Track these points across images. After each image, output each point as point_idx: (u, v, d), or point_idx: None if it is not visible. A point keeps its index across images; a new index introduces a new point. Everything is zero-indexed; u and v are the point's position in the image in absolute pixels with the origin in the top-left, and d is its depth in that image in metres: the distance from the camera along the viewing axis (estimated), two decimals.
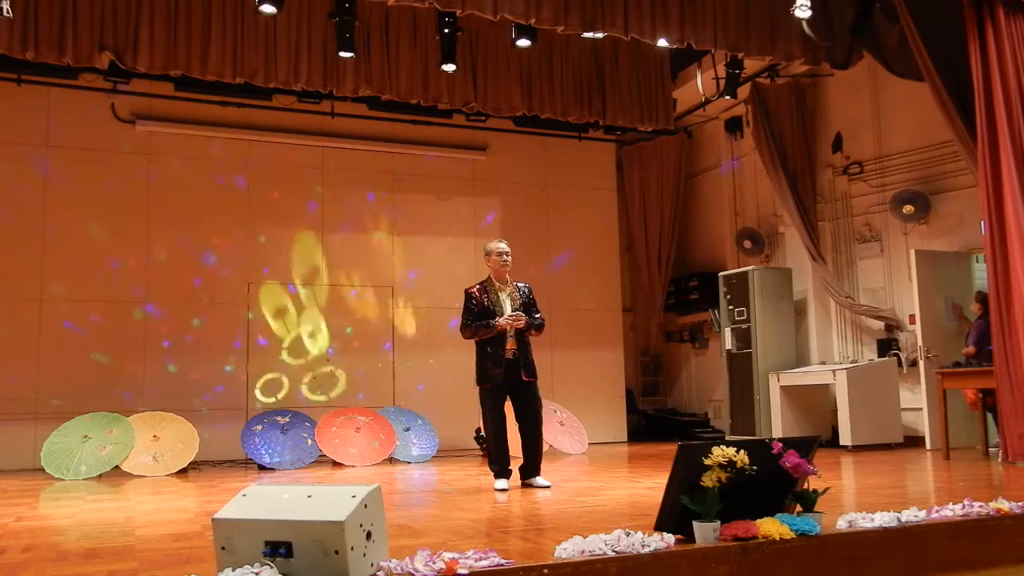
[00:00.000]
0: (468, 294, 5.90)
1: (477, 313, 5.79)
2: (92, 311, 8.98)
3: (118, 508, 5.17)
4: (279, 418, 8.71)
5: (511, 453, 5.81)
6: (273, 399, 9.50)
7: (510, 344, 5.72)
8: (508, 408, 5.84)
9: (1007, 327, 6.38)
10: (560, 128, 10.85)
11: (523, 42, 8.07)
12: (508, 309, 5.80)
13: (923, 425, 8.27)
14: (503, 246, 5.93)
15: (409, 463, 8.64)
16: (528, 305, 5.90)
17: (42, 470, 7.64)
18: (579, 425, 9.75)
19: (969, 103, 6.87)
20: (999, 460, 6.64)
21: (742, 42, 7.79)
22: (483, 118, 10.26)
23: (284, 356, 9.70)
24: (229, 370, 9.42)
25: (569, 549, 2.78)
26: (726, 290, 9.97)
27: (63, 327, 8.84)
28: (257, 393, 9.48)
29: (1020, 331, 6.29)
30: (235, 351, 9.48)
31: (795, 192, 9.63)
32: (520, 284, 6.01)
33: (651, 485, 5.54)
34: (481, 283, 5.96)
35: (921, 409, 8.35)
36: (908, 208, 8.72)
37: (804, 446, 3.21)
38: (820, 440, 3.50)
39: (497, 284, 5.90)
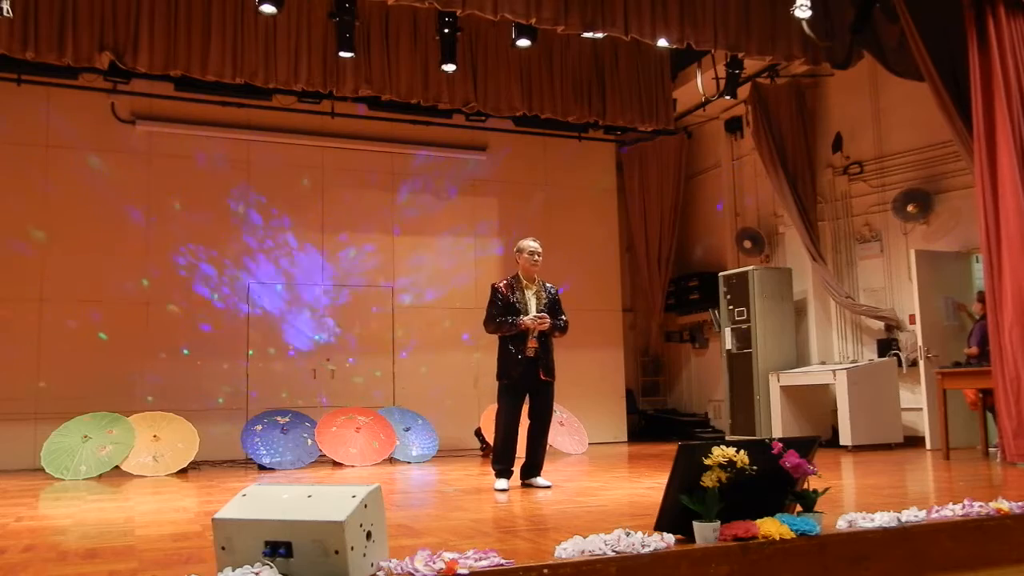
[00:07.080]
0: (494, 288, 5.90)
1: (500, 308, 5.79)
2: (93, 311, 8.98)
3: (118, 508, 5.17)
4: (279, 418, 8.71)
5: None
6: (273, 399, 9.49)
7: (531, 343, 5.73)
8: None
9: (1004, 327, 6.38)
10: (560, 128, 10.84)
11: (523, 42, 8.07)
12: (533, 308, 5.81)
13: (923, 425, 8.27)
14: (535, 245, 5.95)
15: (409, 463, 8.64)
16: (553, 305, 5.91)
17: (42, 470, 7.64)
18: (579, 425, 9.75)
19: (969, 103, 6.87)
20: (999, 460, 6.64)
21: (742, 42, 7.79)
22: (483, 118, 10.25)
23: (284, 356, 9.70)
24: (229, 370, 9.41)
25: (569, 549, 2.78)
26: (726, 290, 9.97)
27: (68, 328, 8.85)
28: (256, 393, 9.48)
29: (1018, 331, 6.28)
30: (235, 351, 9.48)
31: (795, 192, 9.63)
32: (548, 285, 6.01)
33: (651, 485, 5.54)
34: (509, 279, 5.96)
35: (921, 409, 8.35)
36: (912, 207, 8.71)
37: (804, 446, 3.21)
38: (820, 440, 3.50)
39: (525, 282, 5.91)
